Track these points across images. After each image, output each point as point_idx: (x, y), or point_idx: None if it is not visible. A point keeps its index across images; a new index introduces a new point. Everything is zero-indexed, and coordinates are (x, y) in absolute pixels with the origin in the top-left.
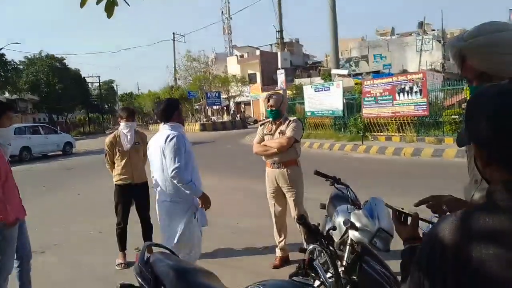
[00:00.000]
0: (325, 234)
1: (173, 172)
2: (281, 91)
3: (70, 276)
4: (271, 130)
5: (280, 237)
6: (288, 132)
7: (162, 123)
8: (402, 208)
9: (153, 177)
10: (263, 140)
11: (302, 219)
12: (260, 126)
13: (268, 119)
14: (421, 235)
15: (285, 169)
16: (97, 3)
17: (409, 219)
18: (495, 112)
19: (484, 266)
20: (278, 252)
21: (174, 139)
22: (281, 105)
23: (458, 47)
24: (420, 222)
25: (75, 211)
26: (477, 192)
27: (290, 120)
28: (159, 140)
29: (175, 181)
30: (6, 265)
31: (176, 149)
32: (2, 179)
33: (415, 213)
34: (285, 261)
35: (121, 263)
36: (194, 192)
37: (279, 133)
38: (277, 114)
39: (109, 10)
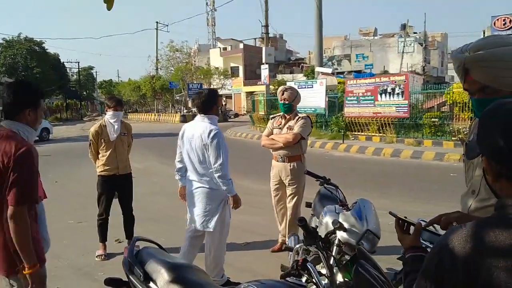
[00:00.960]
0: (323, 237)
1: (218, 167)
2: (264, 86)
3: (48, 268)
4: (280, 124)
5: (281, 224)
6: (296, 129)
7: (200, 113)
8: (405, 217)
9: (179, 161)
10: (272, 134)
11: (302, 221)
12: (271, 119)
13: (279, 113)
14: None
15: (289, 164)
16: None
17: (412, 228)
18: (507, 127)
19: (494, 279)
20: (280, 239)
21: (218, 135)
22: (294, 99)
23: (461, 59)
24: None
25: (52, 200)
26: (475, 203)
27: (300, 117)
28: (201, 132)
29: (217, 175)
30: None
31: (220, 145)
32: None
33: (418, 222)
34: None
35: (102, 255)
36: (230, 190)
37: (288, 128)
38: (290, 108)
39: (109, 1)
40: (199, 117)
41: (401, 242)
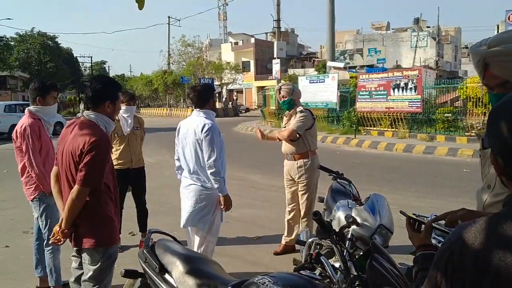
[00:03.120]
0: (337, 231)
1: (211, 163)
2: (276, 81)
3: (64, 260)
4: (287, 123)
5: (289, 227)
6: (291, 125)
7: (196, 108)
8: (415, 214)
9: (177, 159)
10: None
11: (317, 215)
12: (284, 117)
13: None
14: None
15: (296, 162)
16: None
17: (423, 226)
18: None
19: (503, 274)
20: (283, 240)
21: (211, 130)
22: (292, 93)
23: (481, 54)
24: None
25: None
26: (490, 198)
27: (299, 112)
28: (194, 127)
29: (209, 171)
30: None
31: (213, 141)
32: (44, 154)
33: (428, 221)
34: (288, 249)
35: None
36: (221, 189)
37: (290, 124)
38: (290, 105)
39: (140, 1)
40: (195, 112)
41: (411, 241)
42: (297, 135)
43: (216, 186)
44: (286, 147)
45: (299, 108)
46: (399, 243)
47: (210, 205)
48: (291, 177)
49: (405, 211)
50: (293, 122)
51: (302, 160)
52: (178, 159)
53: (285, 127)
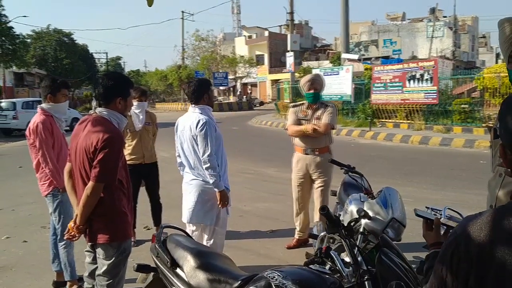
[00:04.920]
0: (346, 225)
1: (206, 158)
2: (289, 74)
3: (79, 254)
4: (306, 115)
5: (300, 221)
6: (326, 118)
7: (192, 104)
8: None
9: (178, 156)
10: (298, 123)
11: (324, 209)
12: (292, 107)
13: (301, 102)
14: None
15: (318, 156)
16: None
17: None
18: None
19: (508, 267)
20: (296, 234)
21: (206, 125)
22: (322, 88)
23: None
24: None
25: None
26: (502, 188)
27: (328, 106)
28: (190, 123)
29: (205, 166)
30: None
31: (207, 136)
32: (57, 149)
33: (436, 218)
34: (301, 243)
35: (131, 241)
36: (217, 184)
37: (316, 118)
38: (318, 98)
39: None
40: (190, 108)
41: (425, 239)
42: (332, 129)
43: (211, 181)
44: (306, 141)
45: (328, 103)
46: (414, 236)
47: (213, 199)
48: (308, 172)
49: (418, 209)
50: (326, 116)
51: (324, 154)
52: (179, 156)
53: (305, 119)
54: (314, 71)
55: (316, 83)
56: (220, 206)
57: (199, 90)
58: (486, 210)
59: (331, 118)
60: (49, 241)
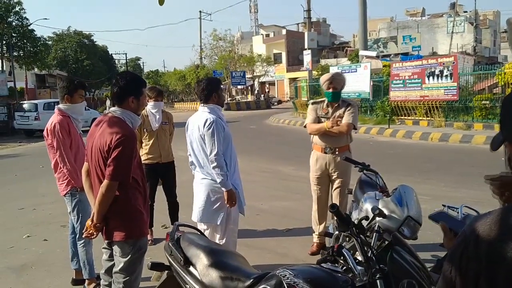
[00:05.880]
0: (356, 223)
1: (213, 157)
2: (307, 72)
3: (97, 252)
4: (327, 113)
5: (320, 224)
6: (348, 118)
7: (201, 103)
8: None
9: (189, 155)
10: (318, 121)
11: (334, 208)
12: (312, 104)
13: (321, 99)
14: None
15: (338, 155)
16: None
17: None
18: None
19: None
20: (315, 238)
21: (213, 125)
22: (342, 87)
23: None
24: None
25: None
26: None
27: (350, 104)
28: (199, 122)
29: (212, 165)
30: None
31: (214, 135)
32: (74, 149)
33: (441, 223)
34: (322, 247)
35: (149, 240)
36: (224, 183)
37: (338, 117)
38: (339, 96)
39: None
40: (200, 107)
41: (445, 247)
42: (354, 129)
43: (218, 180)
44: (327, 139)
45: (351, 101)
46: (432, 235)
47: (222, 198)
48: (327, 171)
49: (434, 213)
50: (348, 116)
51: (344, 153)
52: (190, 155)
53: (326, 117)
54: (332, 69)
55: (335, 82)
56: (228, 205)
57: (208, 89)
58: (496, 209)
59: (353, 117)
60: (68, 240)
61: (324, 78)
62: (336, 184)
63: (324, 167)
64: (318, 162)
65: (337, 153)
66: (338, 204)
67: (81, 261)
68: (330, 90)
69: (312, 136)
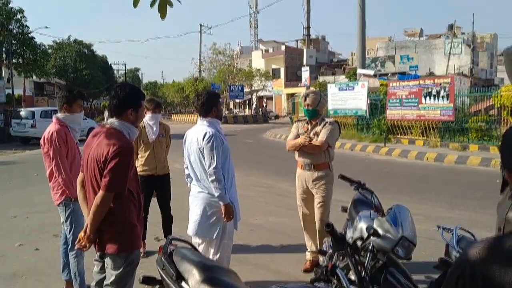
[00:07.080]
0: (351, 242)
1: (211, 171)
2: (305, 88)
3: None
4: (307, 130)
5: (310, 241)
6: (322, 136)
7: (200, 117)
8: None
9: (186, 167)
10: (297, 138)
11: (329, 227)
12: (295, 122)
13: (304, 117)
14: None
15: (316, 172)
16: (151, 5)
17: None
18: None
19: None
20: (308, 255)
21: (212, 138)
22: (318, 104)
23: None
24: None
25: None
26: (511, 211)
27: (327, 122)
28: (197, 136)
29: (210, 179)
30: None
31: (213, 149)
32: (70, 159)
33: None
34: (315, 265)
35: (141, 252)
36: (222, 197)
37: (314, 134)
38: (314, 114)
39: (163, 10)
40: (199, 121)
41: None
42: (327, 147)
43: (216, 194)
44: (304, 156)
45: (329, 119)
46: (426, 255)
47: (218, 213)
48: (307, 188)
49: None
50: (323, 133)
51: (322, 171)
52: (187, 167)
53: (304, 134)
54: (329, 86)
55: (309, 99)
56: (225, 220)
57: (208, 103)
58: (493, 236)
59: (328, 135)
60: (60, 250)
61: (301, 94)
62: (316, 200)
63: (304, 183)
64: (299, 179)
65: (314, 170)
66: (319, 220)
67: (72, 272)
68: (305, 108)
69: (295, 153)
